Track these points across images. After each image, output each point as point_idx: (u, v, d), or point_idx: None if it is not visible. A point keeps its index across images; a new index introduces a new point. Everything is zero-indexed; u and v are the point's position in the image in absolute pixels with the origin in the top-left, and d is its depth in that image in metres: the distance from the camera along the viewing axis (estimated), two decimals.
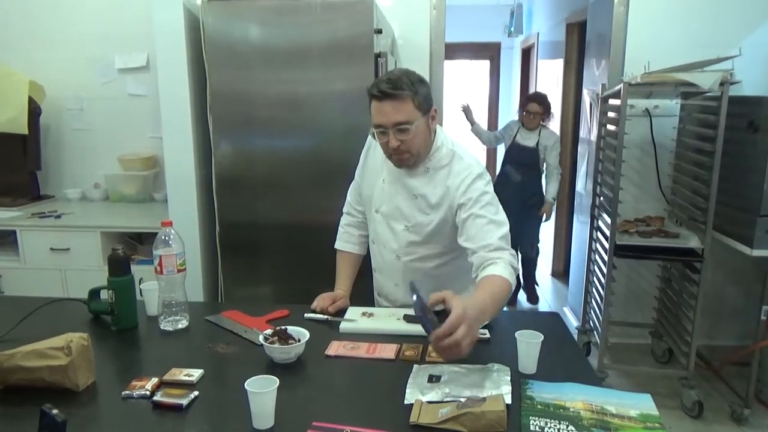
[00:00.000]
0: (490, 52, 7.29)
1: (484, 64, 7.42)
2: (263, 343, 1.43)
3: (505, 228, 1.59)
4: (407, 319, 1.66)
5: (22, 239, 2.95)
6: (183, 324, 1.66)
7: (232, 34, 2.34)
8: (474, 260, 1.57)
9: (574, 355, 1.53)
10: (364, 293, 1.91)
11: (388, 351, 1.49)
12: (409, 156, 1.61)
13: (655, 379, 3.09)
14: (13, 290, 2.94)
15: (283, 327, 1.50)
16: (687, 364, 2.72)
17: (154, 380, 1.32)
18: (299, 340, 1.46)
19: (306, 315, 1.72)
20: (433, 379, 1.32)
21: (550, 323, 1.69)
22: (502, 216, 1.61)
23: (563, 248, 4.94)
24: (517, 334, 1.39)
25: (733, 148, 2.61)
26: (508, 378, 1.32)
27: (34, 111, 3.26)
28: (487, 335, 1.59)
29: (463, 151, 1.68)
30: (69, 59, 3.42)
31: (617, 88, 2.73)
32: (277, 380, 1.16)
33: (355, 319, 1.67)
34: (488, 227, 1.56)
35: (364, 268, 1.92)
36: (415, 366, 1.40)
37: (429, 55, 3.23)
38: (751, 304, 3.31)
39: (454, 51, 6.93)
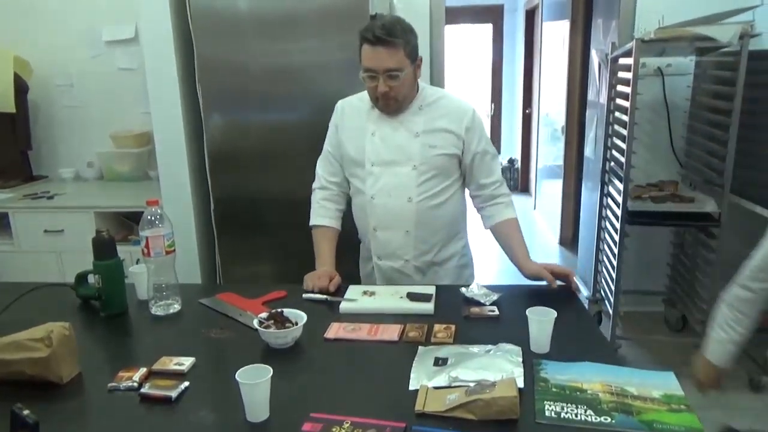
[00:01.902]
0: (492, 15, 7.05)
1: (487, 29, 7.19)
2: (258, 327, 1.34)
3: (498, 158, 1.82)
4: (411, 296, 1.57)
5: (15, 222, 2.88)
6: (175, 308, 1.58)
7: (218, 2, 2.21)
8: (482, 194, 1.78)
9: (589, 331, 1.45)
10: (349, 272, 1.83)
11: (390, 332, 1.40)
12: (395, 102, 1.66)
13: (669, 348, 3.00)
14: (9, 274, 2.88)
15: (279, 309, 1.42)
16: (703, 333, 2.63)
17: (143, 370, 1.24)
18: (296, 323, 1.37)
19: (304, 295, 1.64)
20: (440, 362, 1.23)
21: (562, 297, 1.59)
22: (493, 148, 1.79)
23: (571, 216, 4.83)
24: (529, 311, 1.30)
25: (752, 107, 2.47)
26: (520, 359, 1.23)
27: (21, 88, 3.15)
28: (496, 312, 1.50)
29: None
30: (55, 33, 3.29)
31: (629, 45, 2.58)
32: (271, 370, 1.07)
33: (356, 298, 1.58)
34: (493, 162, 1.77)
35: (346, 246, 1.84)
36: (420, 348, 1.31)
37: (429, 19, 3.08)
38: None
39: (454, 15, 6.69)
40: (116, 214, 2.95)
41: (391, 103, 1.66)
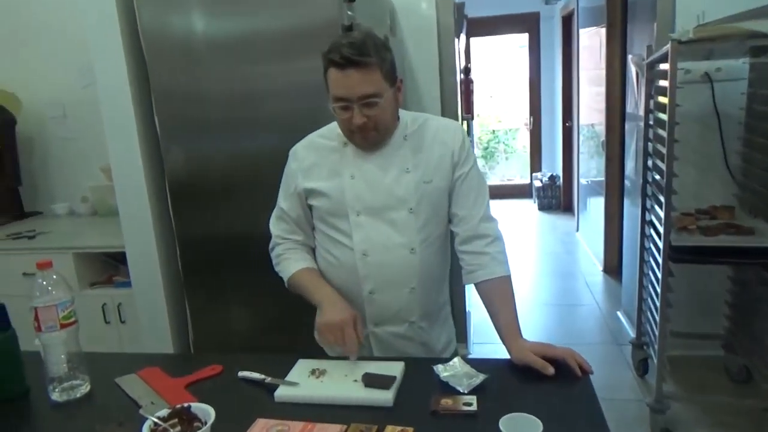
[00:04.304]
0: (528, 24, 6.65)
1: (523, 39, 6.78)
2: None
3: (486, 187, 1.48)
4: (367, 380, 1.22)
5: None
6: (82, 391, 1.29)
7: (173, 26, 1.94)
8: (461, 231, 1.43)
9: None
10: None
11: None
12: (375, 134, 1.37)
13: (731, 410, 2.48)
14: None
15: (186, 404, 1.10)
16: None
17: None
18: (205, 423, 1.05)
19: (240, 374, 1.31)
20: None
21: (568, 381, 1.20)
22: (481, 174, 1.49)
23: (616, 239, 4.33)
24: (503, 422, 0.92)
25: None
26: None
27: (8, 122, 3.00)
28: (474, 406, 1.12)
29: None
30: (46, 63, 3.14)
31: (665, 49, 2.17)
32: None
33: (298, 382, 1.24)
34: (479, 189, 1.45)
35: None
36: None
37: (437, 31, 2.76)
38: None
39: (485, 26, 6.36)
40: (97, 255, 2.72)
41: (371, 135, 1.36)
